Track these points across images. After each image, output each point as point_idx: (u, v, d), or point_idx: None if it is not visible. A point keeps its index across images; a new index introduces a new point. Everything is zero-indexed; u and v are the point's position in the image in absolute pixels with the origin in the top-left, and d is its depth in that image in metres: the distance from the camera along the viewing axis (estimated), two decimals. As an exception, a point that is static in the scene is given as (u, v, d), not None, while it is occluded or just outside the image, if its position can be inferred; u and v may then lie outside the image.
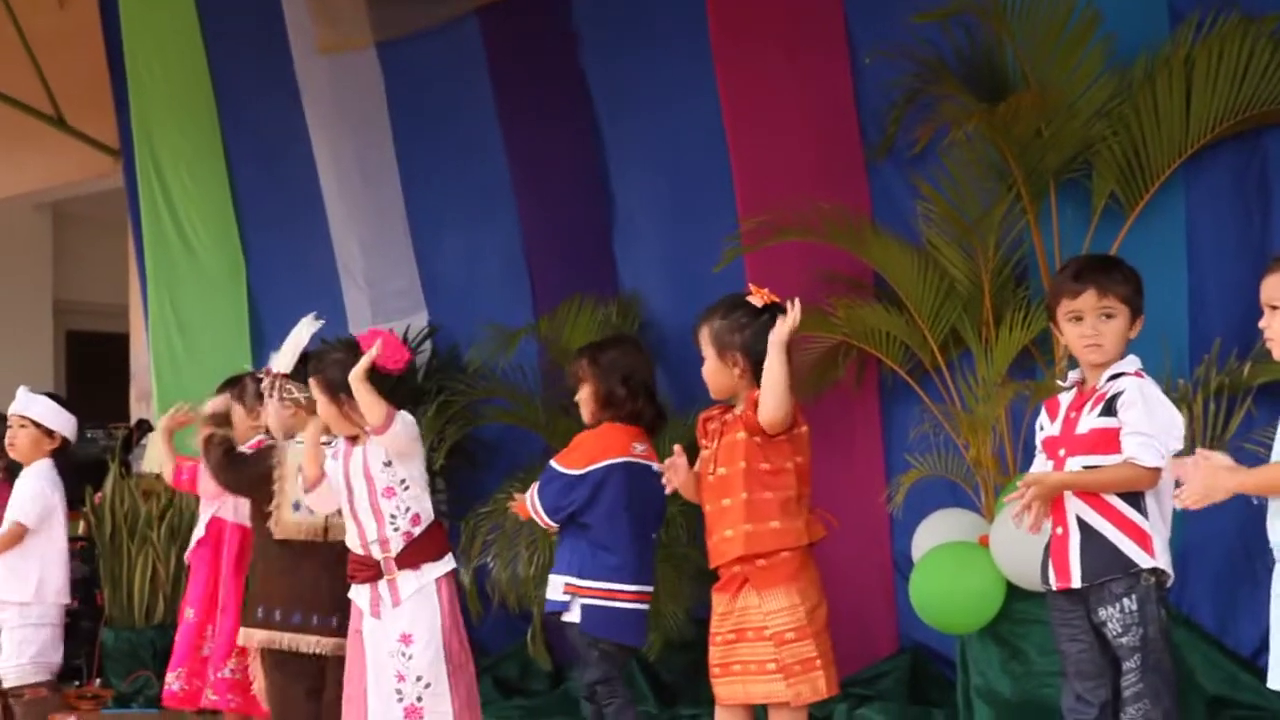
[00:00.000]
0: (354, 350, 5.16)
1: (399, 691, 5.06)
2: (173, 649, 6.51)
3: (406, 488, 5.13)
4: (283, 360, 5.62)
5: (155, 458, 6.80)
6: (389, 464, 5.12)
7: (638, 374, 5.27)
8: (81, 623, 8.82)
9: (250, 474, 5.66)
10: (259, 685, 5.80)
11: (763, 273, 6.94)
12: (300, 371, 5.57)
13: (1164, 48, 5.96)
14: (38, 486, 6.31)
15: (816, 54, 7.02)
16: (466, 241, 8.35)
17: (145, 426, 10.02)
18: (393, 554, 5.10)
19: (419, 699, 5.05)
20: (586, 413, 5.27)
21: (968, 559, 5.77)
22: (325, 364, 5.23)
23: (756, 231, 6.76)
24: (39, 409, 6.42)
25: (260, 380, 6.34)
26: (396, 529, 5.11)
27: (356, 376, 5.01)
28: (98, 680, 8.87)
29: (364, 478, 5.13)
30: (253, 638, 5.62)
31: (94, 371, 12.12)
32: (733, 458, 4.69)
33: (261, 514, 5.66)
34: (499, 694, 7.72)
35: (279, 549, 5.63)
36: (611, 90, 7.77)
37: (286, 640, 5.55)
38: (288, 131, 8.96)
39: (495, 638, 7.94)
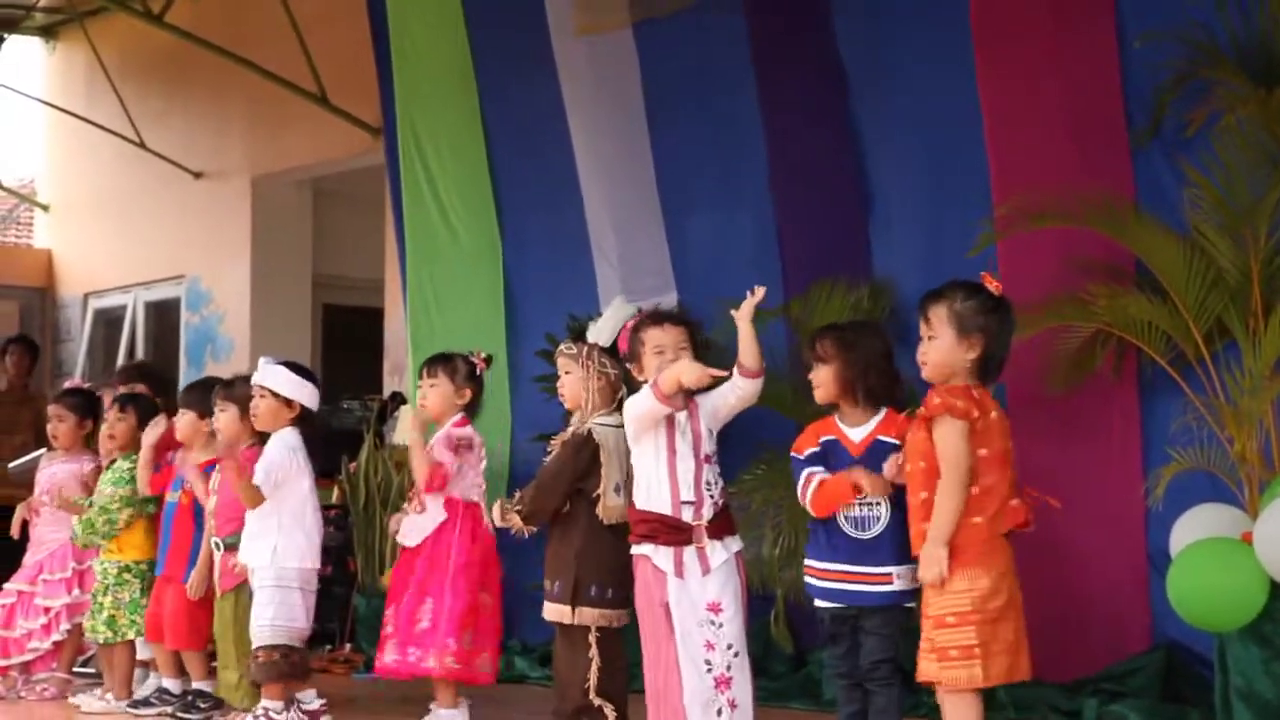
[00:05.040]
0: None
1: (708, 662, 5.08)
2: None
3: (716, 460, 5.21)
4: (603, 334, 5.70)
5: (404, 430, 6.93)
6: (710, 431, 5.19)
7: (886, 365, 5.17)
8: (335, 589, 9.06)
9: (578, 468, 5.69)
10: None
11: (1017, 259, 6.87)
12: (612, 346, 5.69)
13: None
14: (270, 455, 6.46)
15: (1081, 33, 6.88)
16: (718, 222, 8.36)
17: (399, 399, 10.25)
18: (704, 521, 5.13)
19: (728, 668, 5.08)
20: (823, 394, 5.18)
21: (1230, 555, 5.61)
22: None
23: (1012, 217, 6.65)
24: (275, 379, 6.52)
25: (470, 360, 6.52)
26: (711, 496, 5.17)
27: (746, 316, 5.10)
28: (349, 645, 9.11)
29: (692, 439, 5.17)
30: (581, 616, 5.67)
31: (349, 344, 12.42)
32: (914, 456, 4.73)
33: (587, 495, 5.68)
34: (741, 674, 7.73)
35: (606, 531, 5.70)
36: (869, 72, 7.70)
37: (615, 616, 5.67)
38: (545, 111, 9.07)
39: (738, 618, 7.94)
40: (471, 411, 6.58)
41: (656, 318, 5.37)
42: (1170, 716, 6.28)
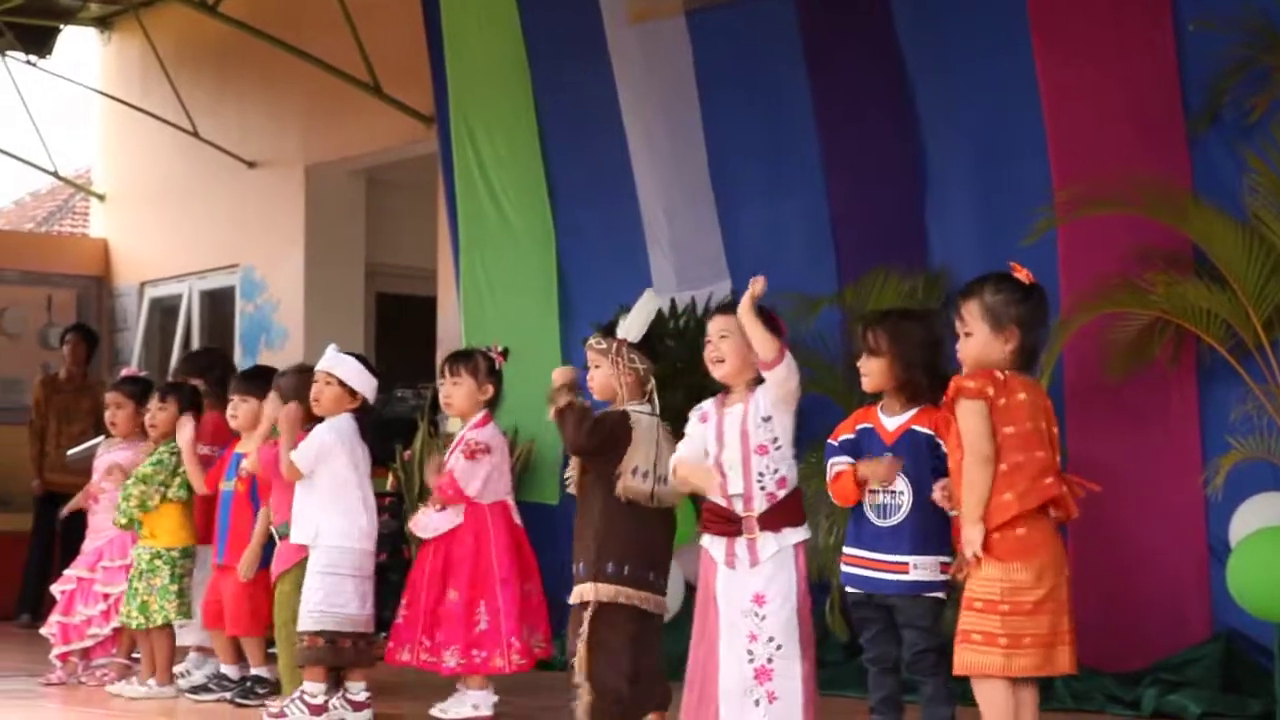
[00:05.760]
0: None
1: (750, 652, 5.08)
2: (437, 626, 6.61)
3: (779, 447, 5.14)
4: (632, 329, 5.72)
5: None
6: (767, 419, 5.14)
7: (938, 359, 5.10)
8: (390, 576, 9.08)
9: (612, 435, 5.68)
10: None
11: (1076, 246, 6.86)
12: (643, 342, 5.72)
13: None
14: (320, 435, 6.51)
15: (1139, 21, 6.85)
16: (772, 210, 8.36)
17: (453, 387, 10.28)
18: (755, 513, 5.12)
19: (769, 660, 5.05)
20: (870, 384, 5.13)
21: (1291, 545, 5.58)
22: None
23: (1071, 203, 6.63)
24: (345, 369, 6.61)
25: (489, 356, 6.56)
26: (762, 488, 5.13)
27: (745, 309, 5.05)
28: (405, 632, 9.13)
29: (739, 432, 5.16)
30: (599, 593, 5.62)
31: (402, 332, 12.45)
32: (953, 448, 4.69)
33: (607, 476, 5.66)
34: (794, 663, 7.72)
35: (626, 512, 5.69)
36: (926, 59, 7.68)
37: (637, 596, 5.64)
38: (598, 99, 9.08)
39: (791, 607, 7.93)
40: (492, 407, 6.67)
41: (714, 310, 5.44)
42: (1230, 706, 6.25)
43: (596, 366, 5.80)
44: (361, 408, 6.62)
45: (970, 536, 4.55)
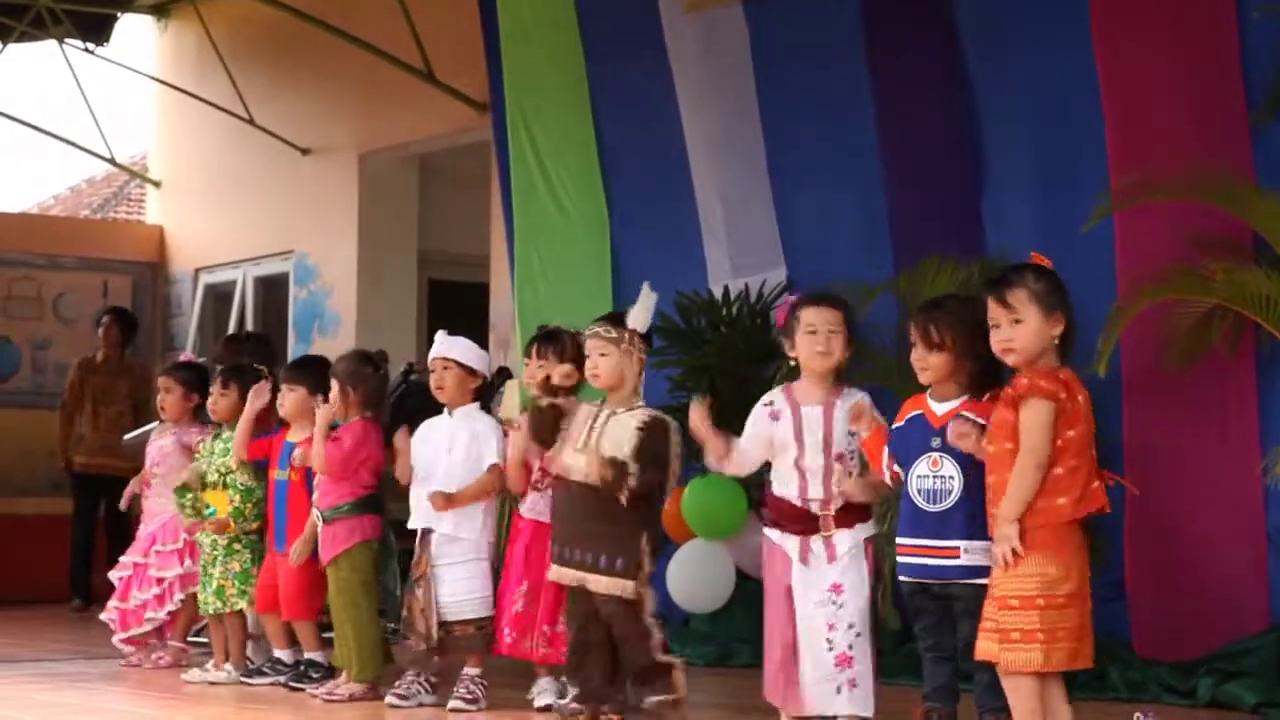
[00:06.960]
0: None
1: (829, 641, 5.20)
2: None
3: (854, 454, 5.26)
4: (641, 320, 5.77)
5: (513, 405, 6.99)
6: (854, 432, 5.24)
7: (988, 348, 5.08)
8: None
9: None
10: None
11: (1134, 233, 6.82)
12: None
13: None
14: (495, 433, 6.48)
15: (1200, 8, 6.81)
16: (827, 198, 8.34)
17: (504, 374, 10.29)
18: (832, 513, 5.25)
19: (850, 646, 5.18)
20: (931, 376, 5.12)
21: (1352, 535, 5.53)
22: None
23: (1129, 190, 6.59)
24: (460, 350, 6.58)
25: (578, 340, 6.55)
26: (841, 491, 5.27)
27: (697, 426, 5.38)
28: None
29: (822, 438, 5.26)
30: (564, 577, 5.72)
31: (454, 319, 12.40)
32: (999, 437, 4.67)
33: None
34: (846, 651, 7.71)
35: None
36: (984, 47, 7.65)
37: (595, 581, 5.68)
38: (654, 88, 9.08)
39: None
40: (574, 392, 6.63)
41: (815, 298, 5.44)
42: (1287, 697, 6.21)
43: (603, 355, 5.80)
44: (481, 387, 6.62)
45: (1008, 533, 4.57)
